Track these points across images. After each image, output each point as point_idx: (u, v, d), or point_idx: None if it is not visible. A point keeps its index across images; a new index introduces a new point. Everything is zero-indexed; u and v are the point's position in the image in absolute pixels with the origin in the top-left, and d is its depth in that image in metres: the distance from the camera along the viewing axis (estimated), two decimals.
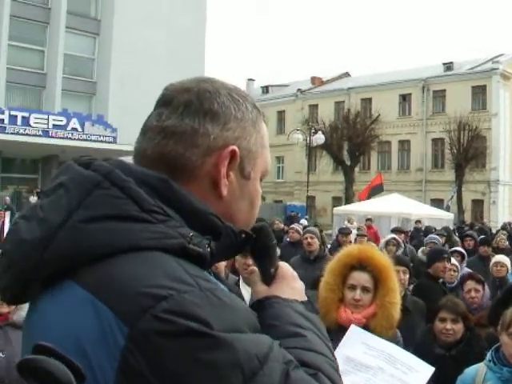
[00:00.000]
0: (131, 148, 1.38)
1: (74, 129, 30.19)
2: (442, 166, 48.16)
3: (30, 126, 28.90)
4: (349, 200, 40.56)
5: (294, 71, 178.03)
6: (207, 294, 1.09)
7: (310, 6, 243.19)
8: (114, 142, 30.48)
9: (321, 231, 14.66)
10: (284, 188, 56.36)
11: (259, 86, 65.91)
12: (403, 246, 11.47)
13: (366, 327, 3.33)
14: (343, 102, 54.20)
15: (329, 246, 13.40)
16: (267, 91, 63.61)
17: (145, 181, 1.22)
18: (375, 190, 33.54)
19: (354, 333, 2.19)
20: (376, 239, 15.63)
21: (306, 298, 1.42)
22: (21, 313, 4.20)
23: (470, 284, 5.99)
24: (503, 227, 25.56)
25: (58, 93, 33.89)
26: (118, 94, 33.55)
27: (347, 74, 62.18)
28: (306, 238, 9.12)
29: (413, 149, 50.54)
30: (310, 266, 8.28)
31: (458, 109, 43.94)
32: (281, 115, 59.04)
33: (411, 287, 7.08)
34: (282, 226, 19.66)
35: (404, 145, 51.40)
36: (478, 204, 46.24)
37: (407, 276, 6.45)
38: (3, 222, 13.30)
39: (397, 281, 3.78)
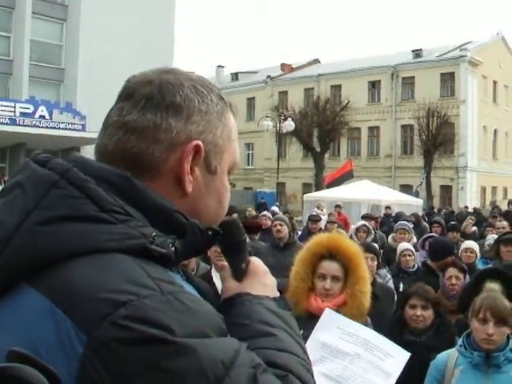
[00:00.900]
0: None
1: (42, 116, 29.84)
2: (411, 152, 48.53)
3: None
4: (319, 186, 40.69)
5: (264, 58, 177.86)
6: (169, 298, 1.04)
7: None
8: (83, 129, 30.18)
9: (291, 218, 14.70)
10: (254, 175, 56.34)
11: (229, 73, 65.72)
12: (373, 232, 11.54)
13: None
14: (313, 88, 54.24)
15: (299, 232, 13.43)
16: (237, 78, 63.41)
17: (105, 178, 1.16)
18: (345, 177, 33.63)
19: (329, 317, 2.18)
20: (346, 226, 15.69)
21: (277, 294, 1.40)
22: None
23: (451, 271, 6.01)
24: (475, 211, 25.88)
25: (25, 80, 33.46)
26: (86, 81, 33.20)
27: (317, 61, 62.20)
28: (276, 226, 9.08)
29: (382, 135, 50.84)
30: (279, 253, 8.28)
31: (426, 95, 44.29)
32: (250, 102, 58.94)
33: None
34: (254, 213, 19.64)
35: (373, 131, 51.68)
36: (446, 190, 46.74)
37: (375, 263, 6.52)
38: None
39: (367, 269, 3.80)
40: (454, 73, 47.34)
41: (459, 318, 5.09)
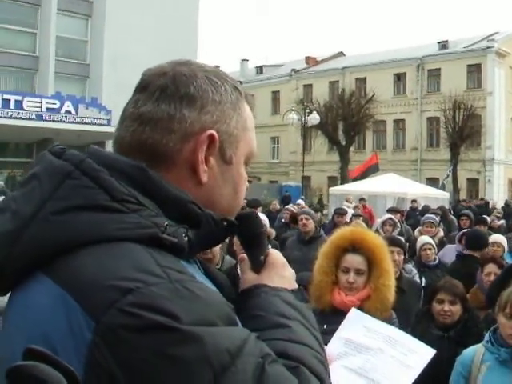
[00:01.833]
0: None
1: (68, 112, 30.00)
2: (437, 145, 48.12)
3: (23, 109, 28.68)
4: (344, 180, 40.53)
5: (289, 51, 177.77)
6: (176, 286, 1.04)
7: None
8: (109, 124, 30.28)
9: (317, 211, 14.66)
10: (279, 168, 56.33)
11: (253, 67, 65.62)
12: (399, 225, 11.45)
13: (360, 310, 3.28)
14: (338, 81, 54.00)
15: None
16: (261, 71, 63.27)
17: (119, 169, 1.19)
18: (370, 170, 33.50)
19: (355, 316, 2.17)
20: (371, 219, 15.62)
21: (296, 286, 1.39)
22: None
23: (491, 267, 5.93)
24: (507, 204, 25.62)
25: (50, 76, 33.67)
26: (111, 76, 33.33)
27: (342, 54, 61.93)
28: (302, 219, 9.10)
29: (408, 128, 50.47)
30: (305, 247, 8.29)
31: (453, 87, 43.82)
32: (275, 95, 58.86)
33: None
34: (278, 206, 19.66)
35: (399, 124, 51.32)
36: (473, 183, 46.31)
37: (402, 257, 6.44)
38: None
39: (391, 262, 3.75)
40: (480, 64, 46.79)
41: (488, 313, 5.01)
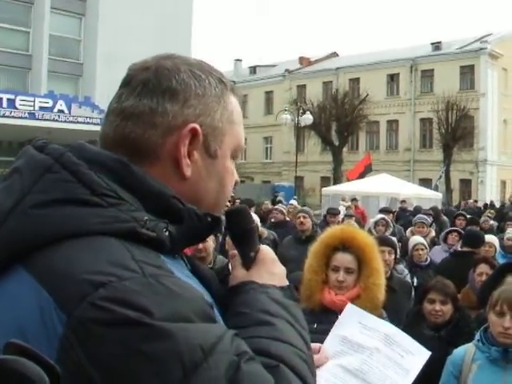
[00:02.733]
0: None
1: (61, 111, 29.86)
2: (430, 145, 48.22)
3: (15, 108, 28.51)
4: (337, 180, 40.60)
5: (282, 51, 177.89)
6: (150, 280, 1.03)
7: None
8: (102, 123, 30.24)
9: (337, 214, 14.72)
10: (272, 168, 56.37)
11: (247, 67, 65.63)
12: (392, 226, 11.46)
13: None
14: (331, 82, 54.06)
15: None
16: (255, 72, 63.28)
17: (101, 163, 1.18)
18: (365, 171, 33.60)
19: (351, 312, 2.16)
20: (363, 219, 15.64)
21: (286, 283, 1.37)
22: None
23: (483, 267, 5.96)
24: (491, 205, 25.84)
25: (43, 74, 33.57)
26: (104, 75, 33.20)
27: (335, 54, 62.03)
28: (299, 217, 9.09)
29: (401, 129, 50.57)
30: (301, 246, 8.23)
31: (446, 88, 43.94)
32: (268, 95, 58.92)
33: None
34: (269, 206, 19.64)
35: (392, 125, 51.40)
36: (465, 184, 46.43)
37: (393, 256, 6.44)
38: None
39: (381, 261, 3.74)
40: (473, 65, 46.92)
41: (479, 313, 5.02)
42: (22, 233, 1.09)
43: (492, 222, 15.68)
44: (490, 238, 8.97)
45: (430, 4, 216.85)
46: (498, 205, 31.45)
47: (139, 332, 0.98)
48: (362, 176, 32.51)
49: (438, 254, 8.71)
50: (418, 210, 16.23)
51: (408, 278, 7.16)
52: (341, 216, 12.95)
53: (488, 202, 33.18)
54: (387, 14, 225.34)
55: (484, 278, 5.76)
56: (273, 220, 12.29)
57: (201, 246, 5.35)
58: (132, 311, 0.98)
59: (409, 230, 11.47)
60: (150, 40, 33.22)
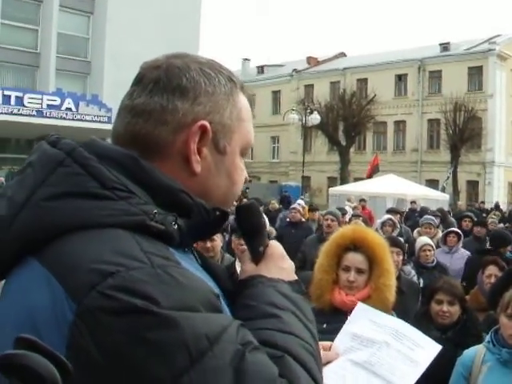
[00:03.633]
0: None
1: (69, 109, 29.97)
2: (437, 146, 48.10)
3: (23, 105, 28.65)
4: (344, 180, 40.62)
5: (290, 51, 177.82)
6: (158, 271, 1.06)
7: None
8: (109, 121, 30.22)
9: (316, 209, 14.69)
10: (279, 168, 56.36)
11: (254, 66, 65.57)
12: (399, 226, 11.44)
13: None
14: (339, 82, 53.97)
15: None
16: (262, 71, 63.24)
17: (112, 158, 1.21)
18: (373, 171, 33.71)
19: (361, 310, 2.17)
20: (370, 220, 15.61)
21: (294, 278, 1.40)
22: None
23: (492, 269, 5.94)
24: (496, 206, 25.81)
25: (51, 72, 33.62)
26: (112, 74, 33.24)
27: (343, 54, 61.96)
28: (327, 220, 9.43)
29: (408, 129, 50.46)
30: None
31: (454, 89, 43.86)
32: (276, 95, 58.91)
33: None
34: (276, 206, 19.64)
35: (399, 125, 51.31)
36: (473, 185, 46.31)
37: (401, 257, 6.45)
38: None
39: (392, 262, 3.73)
40: (481, 66, 46.80)
41: (488, 315, 5.00)
42: (34, 224, 1.13)
43: (500, 224, 15.64)
44: None
45: (438, 5, 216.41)
46: (505, 207, 31.35)
47: (146, 320, 1.00)
48: (371, 176, 32.64)
49: (440, 256, 8.72)
50: (424, 211, 16.22)
51: (415, 280, 7.14)
52: (348, 216, 12.93)
53: (494, 204, 33.12)
54: (395, 15, 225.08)
55: (493, 279, 5.74)
56: (288, 219, 12.25)
57: (209, 244, 5.38)
58: (139, 300, 1.01)
59: (416, 230, 11.44)
60: (158, 39, 33.23)
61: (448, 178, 38.71)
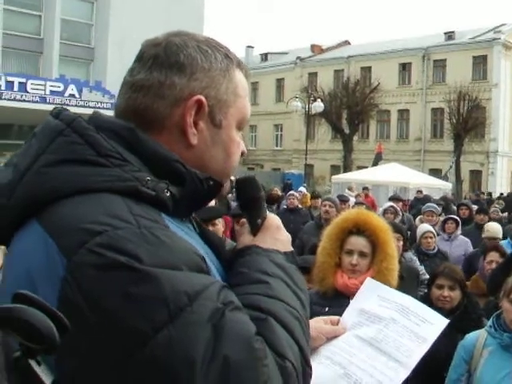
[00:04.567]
0: None
1: (72, 95, 29.93)
2: (441, 135, 47.96)
3: (27, 92, 28.62)
4: (347, 168, 40.58)
5: (294, 39, 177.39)
6: (143, 231, 1.13)
7: None
8: (112, 108, 30.06)
9: (319, 197, 14.74)
10: (282, 156, 56.31)
11: (258, 54, 65.41)
12: (401, 214, 11.45)
13: None
14: (343, 70, 53.82)
15: None
16: (266, 59, 63.10)
17: (109, 128, 1.29)
18: (376, 158, 33.68)
19: (370, 285, 2.18)
20: (373, 208, 15.62)
21: (290, 249, 1.46)
22: None
23: (493, 255, 5.97)
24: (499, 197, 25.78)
25: (55, 59, 33.56)
26: (116, 60, 33.14)
27: (347, 42, 61.73)
28: (325, 206, 9.35)
29: (412, 118, 50.36)
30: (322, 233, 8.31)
31: (458, 79, 43.66)
32: (280, 83, 58.76)
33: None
34: (279, 193, 19.63)
35: (403, 114, 51.20)
36: (476, 175, 46.24)
37: (401, 243, 6.46)
38: None
39: (395, 246, 3.73)
40: (486, 56, 46.64)
41: (488, 301, 5.02)
42: (35, 189, 1.22)
43: (503, 214, 15.63)
44: (493, 225, 9.07)
45: None
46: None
47: (128, 275, 1.08)
48: (373, 163, 32.65)
49: (439, 243, 8.70)
50: (427, 200, 16.22)
51: (417, 266, 7.15)
52: (350, 203, 12.95)
53: (498, 193, 33.07)
54: (400, 3, 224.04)
55: (494, 265, 5.76)
56: (286, 206, 12.30)
57: (211, 228, 5.39)
58: (122, 256, 1.09)
59: (418, 218, 11.45)
60: (162, 25, 32.78)
61: (451, 167, 38.65)
